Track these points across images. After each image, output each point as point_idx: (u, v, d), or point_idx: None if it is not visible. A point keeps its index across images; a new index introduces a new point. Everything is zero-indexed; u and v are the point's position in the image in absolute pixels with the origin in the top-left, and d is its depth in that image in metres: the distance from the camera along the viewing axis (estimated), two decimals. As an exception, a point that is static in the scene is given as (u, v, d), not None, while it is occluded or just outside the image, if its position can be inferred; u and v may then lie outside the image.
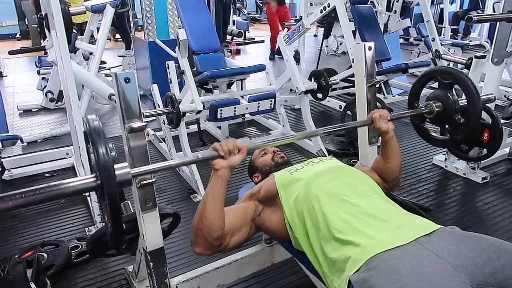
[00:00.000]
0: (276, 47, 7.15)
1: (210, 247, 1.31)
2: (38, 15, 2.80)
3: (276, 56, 7.14)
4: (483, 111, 2.32)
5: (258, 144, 1.43)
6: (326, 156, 2.96)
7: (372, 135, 1.75)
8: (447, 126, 1.73)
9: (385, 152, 1.57)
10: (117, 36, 8.59)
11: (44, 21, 2.44)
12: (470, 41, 6.62)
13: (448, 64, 4.43)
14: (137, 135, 1.22)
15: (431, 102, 1.67)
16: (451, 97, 1.63)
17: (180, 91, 2.92)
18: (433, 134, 1.85)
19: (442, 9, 7.34)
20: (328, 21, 4.22)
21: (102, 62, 4.44)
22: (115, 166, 1.04)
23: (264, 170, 1.66)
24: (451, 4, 7.19)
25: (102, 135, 1.02)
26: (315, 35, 9.23)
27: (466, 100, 1.61)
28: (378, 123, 1.52)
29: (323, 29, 6.34)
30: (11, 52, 3.93)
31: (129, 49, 6.92)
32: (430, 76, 1.76)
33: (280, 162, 1.65)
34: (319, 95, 3.26)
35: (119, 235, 1.10)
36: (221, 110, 2.71)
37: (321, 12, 3.39)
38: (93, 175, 1.04)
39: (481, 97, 1.62)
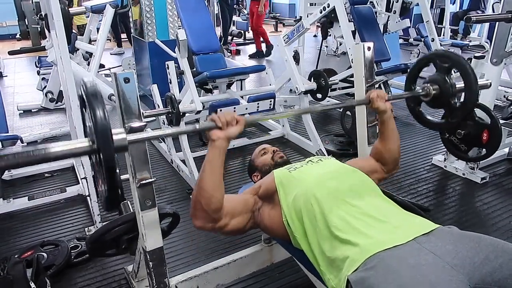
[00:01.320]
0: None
1: (210, 219, 1.30)
2: (38, 16, 2.81)
3: (258, 57, 7.16)
4: (482, 111, 2.34)
5: (256, 117, 1.41)
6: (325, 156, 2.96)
7: (372, 135, 1.75)
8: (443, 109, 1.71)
9: (384, 133, 1.56)
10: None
11: (44, 21, 2.45)
12: (470, 41, 6.62)
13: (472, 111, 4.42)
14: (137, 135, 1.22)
15: (428, 84, 1.65)
16: (448, 80, 1.61)
17: (179, 91, 2.93)
18: (428, 117, 1.82)
19: (442, 10, 7.35)
20: (324, 22, 4.19)
21: (101, 66, 4.45)
22: (112, 130, 1.01)
23: (263, 170, 1.67)
24: (452, 4, 7.19)
25: (100, 98, 0.98)
26: (315, 36, 9.22)
27: (463, 84, 1.59)
28: (375, 102, 1.51)
29: (322, 29, 6.34)
30: (11, 53, 3.93)
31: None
32: (429, 59, 1.72)
33: (280, 162, 1.65)
34: (319, 95, 3.27)
35: (115, 199, 1.05)
36: (220, 110, 2.72)
37: (321, 12, 3.39)
38: (87, 139, 1.02)
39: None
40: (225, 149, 1.26)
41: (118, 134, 1.04)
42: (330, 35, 6.12)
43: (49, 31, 2.41)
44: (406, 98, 1.79)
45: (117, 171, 0.99)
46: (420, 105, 1.78)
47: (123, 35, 7.63)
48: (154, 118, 3.53)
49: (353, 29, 3.61)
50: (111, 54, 7.30)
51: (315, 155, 3.15)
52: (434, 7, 7.30)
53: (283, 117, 1.53)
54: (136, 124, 1.20)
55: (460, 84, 1.61)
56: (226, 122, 1.23)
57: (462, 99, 1.63)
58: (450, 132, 1.96)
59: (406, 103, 1.84)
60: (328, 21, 3.88)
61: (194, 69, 3.13)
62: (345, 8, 3.41)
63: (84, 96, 1.01)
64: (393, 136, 1.55)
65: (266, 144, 1.96)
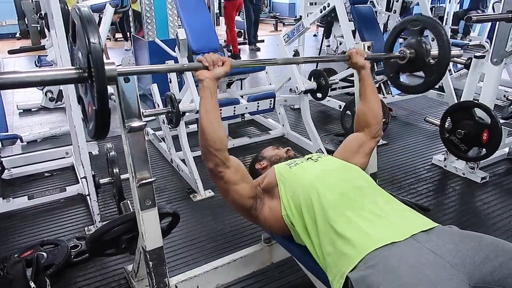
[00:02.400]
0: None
1: (218, 161, 1.31)
2: (38, 15, 2.81)
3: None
4: (482, 111, 2.34)
5: (243, 62, 1.50)
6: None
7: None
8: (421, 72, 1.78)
9: (364, 91, 1.62)
10: (117, 35, 8.62)
11: (44, 21, 2.45)
12: (470, 41, 6.61)
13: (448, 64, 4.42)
14: (137, 135, 1.22)
15: (404, 48, 1.72)
16: (422, 43, 1.68)
17: (179, 91, 2.92)
18: (406, 82, 1.91)
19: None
20: (328, 20, 4.21)
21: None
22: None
23: (273, 160, 1.65)
24: (457, 4, 7.15)
25: (94, 24, 0.97)
26: (314, 35, 9.21)
27: (437, 48, 1.67)
28: (355, 57, 1.59)
29: (323, 28, 6.34)
30: (10, 52, 3.92)
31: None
32: (402, 28, 1.79)
33: (293, 157, 1.65)
34: (319, 95, 3.26)
35: (105, 122, 1.05)
36: (220, 110, 2.71)
37: (321, 12, 3.39)
38: (75, 67, 1.04)
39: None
40: (214, 89, 1.32)
41: (109, 65, 1.03)
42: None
43: (49, 30, 2.41)
44: (384, 59, 1.89)
45: (108, 99, 1.00)
46: (399, 73, 1.85)
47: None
48: (154, 117, 3.54)
49: (353, 29, 3.61)
50: (126, 50, 7.31)
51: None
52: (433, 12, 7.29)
53: (268, 65, 1.60)
54: (136, 123, 1.20)
55: (434, 51, 1.68)
56: (212, 61, 1.30)
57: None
58: (450, 133, 1.95)
59: (386, 74, 1.92)
60: (328, 20, 3.89)
61: (194, 69, 3.13)
62: (345, 8, 3.40)
63: (79, 21, 0.97)
64: (373, 94, 1.61)
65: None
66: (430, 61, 1.67)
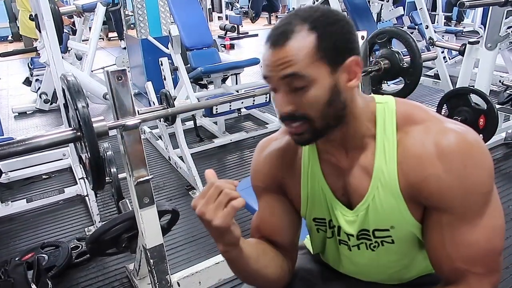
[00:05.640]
0: None
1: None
2: (29, 16, 2.79)
3: None
4: (478, 97, 2.34)
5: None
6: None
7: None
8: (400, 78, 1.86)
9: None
10: (110, 35, 8.57)
11: (35, 22, 2.42)
12: (464, 27, 6.61)
13: (442, 52, 4.42)
14: (132, 132, 1.21)
15: (378, 60, 1.79)
16: (393, 52, 1.76)
17: (174, 88, 2.91)
18: (392, 90, 1.98)
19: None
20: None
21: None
22: (93, 119, 1.11)
23: None
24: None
25: (81, 91, 1.09)
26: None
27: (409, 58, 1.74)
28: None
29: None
30: (2, 55, 3.90)
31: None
32: (372, 43, 1.85)
33: None
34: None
35: (99, 176, 1.15)
36: (216, 105, 2.71)
37: (313, 3, 3.38)
38: (71, 128, 1.15)
39: (423, 55, 1.78)
40: (236, 253, 0.81)
41: (99, 122, 1.12)
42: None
43: (40, 32, 2.39)
44: (363, 76, 1.91)
45: (100, 154, 1.11)
46: (381, 84, 1.95)
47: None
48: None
49: (347, 19, 3.59)
50: (123, 48, 7.12)
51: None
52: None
53: (245, 98, 1.68)
54: (130, 121, 1.19)
55: (406, 58, 1.76)
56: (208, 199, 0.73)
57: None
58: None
59: (372, 87, 1.97)
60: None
61: (189, 65, 3.12)
62: (338, -2, 3.38)
63: (67, 89, 1.10)
64: None
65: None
66: (405, 65, 1.74)
